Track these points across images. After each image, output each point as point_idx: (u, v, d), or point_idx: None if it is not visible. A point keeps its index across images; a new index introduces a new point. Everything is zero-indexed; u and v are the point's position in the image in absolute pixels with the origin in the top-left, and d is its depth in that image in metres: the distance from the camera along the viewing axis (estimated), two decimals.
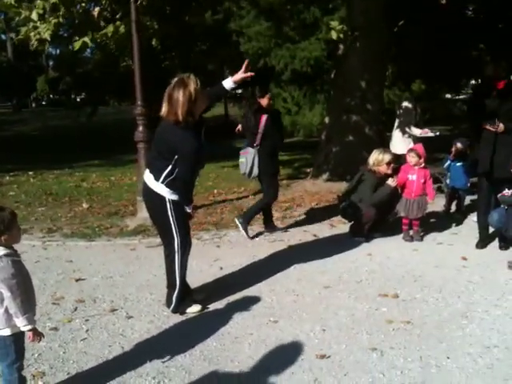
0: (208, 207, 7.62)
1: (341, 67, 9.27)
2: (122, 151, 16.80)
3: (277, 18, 11.83)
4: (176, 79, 3.59)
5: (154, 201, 3.73)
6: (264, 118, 5.84)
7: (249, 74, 3.84)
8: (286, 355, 3.15)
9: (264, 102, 5.94)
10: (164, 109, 3.59)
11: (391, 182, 5.59)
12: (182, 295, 3.83)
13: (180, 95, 3.48)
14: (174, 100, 3.50)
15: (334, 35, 7.73)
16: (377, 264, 4.83)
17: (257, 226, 6.39)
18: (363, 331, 3.44)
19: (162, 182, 3.61)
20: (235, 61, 20.13)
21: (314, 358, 3.10)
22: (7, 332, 2.47)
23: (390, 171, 5.71)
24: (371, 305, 3.87)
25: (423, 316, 3.67)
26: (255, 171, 5.92)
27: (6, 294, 2.40)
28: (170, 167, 3.58)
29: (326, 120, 9.76)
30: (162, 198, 3.64)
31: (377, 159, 5.70)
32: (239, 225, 5.91)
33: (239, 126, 6.38)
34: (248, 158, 5.93)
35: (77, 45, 7.42)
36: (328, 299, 4.00)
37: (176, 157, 3.55)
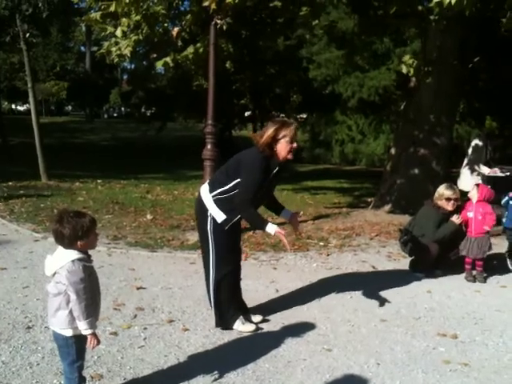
0: None
1: (411, 99, 9.20)
2: (186, 167, 17.28)
3: (349, 47, 11.88)
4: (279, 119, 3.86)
5: (199, 210, 3.83)
6: None
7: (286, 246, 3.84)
8: None
9: None
10: (253, 136, 3.86)
11: (456, 218, 5.45)
12: (222, 310, 3.86)
13: (271, 128, 3.70)
14: (264, 129, 3.77)
15: (404, 69, 7.72)
16: (436, 302, 4.71)
17: (313, 252, 6.39)
18: (419, 369, 3.36)
19: (213, 196, 3.71)
20: (302, 86, 20.39)
21: None
22: (69, 333, 2.57)
23: (449, 208, 5.56)
24: (429, 343, 3.78)
25: (482, 359, 3.55)
26: None
27: (73, 297, 2.49)
28: (227, 186, 3.68)
29: (393, 151, 9.66)
30: (205, 211, 3.73)
31: (438, 192, 5.61)
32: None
33: None
34: None
35: (159, 64, 7.77)
36: (384, 333, 3.94)
37: (238, 180, 3.64)
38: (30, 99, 13.28)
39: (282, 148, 3.72)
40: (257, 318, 4.05)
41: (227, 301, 3.89)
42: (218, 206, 3.70)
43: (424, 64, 8.11)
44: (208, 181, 3.90)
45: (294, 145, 3.75)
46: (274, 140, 3.69)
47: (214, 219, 3.72)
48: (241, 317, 3.92)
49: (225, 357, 3.45)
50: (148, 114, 29.23)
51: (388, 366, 3.38)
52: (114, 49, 8.02)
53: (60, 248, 2.57)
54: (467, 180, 7.61)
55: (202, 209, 3.78)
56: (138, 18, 7.26)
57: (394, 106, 18.29)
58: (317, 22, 8.75)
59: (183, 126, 29.96)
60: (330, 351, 3.58)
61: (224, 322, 3.88)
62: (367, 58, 15.16)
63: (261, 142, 3.69)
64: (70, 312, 2.53)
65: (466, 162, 7.71)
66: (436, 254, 5.45)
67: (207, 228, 3.74)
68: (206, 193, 3.77)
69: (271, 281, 5.16)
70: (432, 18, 7.46)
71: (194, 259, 5.87)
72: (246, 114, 24.86)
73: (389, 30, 11.39)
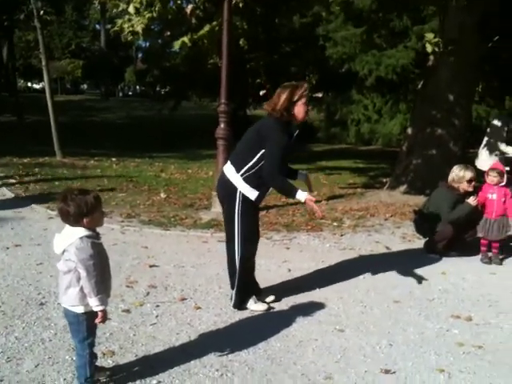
0: (280, 208, 7.65)
1: (429, 78, 9.02)
2: (200, 145, 17.26)
3: (367, 25, 11.64)
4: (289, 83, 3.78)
5: (226, 191, 3.78)
6: None
7: (318, 213, 3.76)
8: (349, 365, 3.11)
9: None
10: (266, 106, 3.79)
11: (472, 200, 5.36)
12: (243, 292, 3.87)
13: (285, 92, 3.67)
14: (277, 95, 3.71)
15: (429, 48, 7.52)
16: (451, 284, 4.66)
17: (326, 232, 6.36)
18: (431, 351, 3.33)
19: (242, 175, 3.68)
20: (318, 65, 20.12)
21: (378, 371, 3.04)
22: (80, 310, 2.58)
23: (471, 189, 5.49)
24: (442, 325, 3.75)
25: (496, 342, 3.51)
26: None
27: (83, 273, 2.50)
28: (253, 161, 3.64)
29: (409, 131, 9.52)
30: (234, 189, 3.70)
31: (458, 175, 5.50)
32: None
33: None
34: None
35: (177, 44, 7.71)
36: (397, 314, 3.91)
37: (262, 151, 3.60)
38: (45, 77, 13.29)
39: (301, 109, 3.71)
40: (269, 298, 4.04)
41: (247, 282, 3.90)
42: (249, 183, 3.67)
43: (443, 42, 7.92)
44: (230, 161, 3.83)
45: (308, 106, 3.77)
46: (291, 102, 3.67)
47: (243, 199, 3.69)
48: (253, 296, 3.93)
49: (236, 335, 3.45)
50: (162, 93, 29.17)
51: (400, 347, 3.36)
52: (126, 26, 7.97)
53: (67, 226, 2.57)
54: (485, 160, 7.46)
55: (229, 190, 3.73)
56: None
57: (411, 85, 17.98)
58: None
59: (198, 104, 29.85)
60: (342, 332, 3.57)
61: (243, 306, 3.88)
62: (385, 35, 14.86)
63: (277, 107, 3.67)
64: (81, 289, 2.54)
65: (484, 142, 7.56)
66: (451, 236, 5.39)
67: (235, 209, 3.70)
68: (232, 173, 3.72)
69: (284, 260, 5.15)
70: None
71: (206, 238, 5.88)
72: (261, 92, 24.66)
73: (408, 6, 11.13)
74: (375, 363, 3.14)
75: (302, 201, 3.62)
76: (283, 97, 3.67)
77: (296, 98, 3.67)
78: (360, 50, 16.70)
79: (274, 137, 3.59)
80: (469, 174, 5.48)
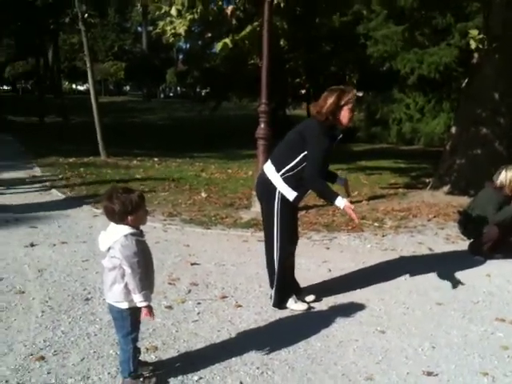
0: (320, 208, 7.62)
1: (474, 76, 8.80)
2: (240, 146, 17.35)
3: (409, 22, 11.45)
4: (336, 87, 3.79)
5: (265, 189, 3.79)
6: None
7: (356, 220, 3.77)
8: (390, 367, 3.07)
9: None
10: (312, 108, 3.76)
11: None
12: (283, 291, 3.87)
13: (332, 96, 3.67)
14: (323, 98, 3.70)
15: (473, 45, 7.35)
16: (496, 286, 4.54)
17: (367, 233, 6.30)
18: (475, 354, 3.26)
19: (282, 175, 3.69)
20: (359, 64, 19.92)
21: (420, 373, 3.00)
22: (125, 305, 2.63)
23: None
24: (486, 328, 3.66)
25: None
26: None
27: (127, 270, 2.55)
28: (294, 162, 3.65)
29: (453, 130, 9.31)
30: (273, 189, 3.71)
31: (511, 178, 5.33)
32: None
33: None
34: None
35: (219, 46, 7.76)
36: (440, 316, 3.84)
37: (304, 153, 3.61)
38: (89, 79, 13.65)
39: (346, 114, 3.69)
40: (309, 298, 4.03)
41: (287, 281, 3.90)
42: (288, 184, 3.68)
43: (488, 39, 7.71)
44: (270, 160, 3.85)
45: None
46: (338, 107, 3.66)
47: (281, 199, 3.70)
48: (293, 295, 3.93)
49: (277, 334, 3.46)
50: (203, 94, 29.46)
51: (443, 350, 3.30)
52: (168, 28, 8.07)
53: (112, 224, 2.63)
54: None
55: (268, 188, 3.75)
56: None
57: (455, 83, 17.58)
58: None
59: (237, 105, 30.03)
60: (384, 333, 3.53)
61: (283, 305, 3.89)
62: (427, 33, 14.59)
63: (324, 110, 3.66)
64: (126, 285, 2.59)
65: None
66: (496, 237, 5.25)
67: (274, 208, 3.72)
68: (273, 172, 3.74)
69: (324, 260, 5.12)
70: None
71: (246, 237, 5.91)
72: (303, 91, 24.57)
73: (451, 3, 10.89)
74: (417, 365, 3.10)
75: (342, 207, 3.60)
76: (330, 101, 3.66)
77: (343, 102, 3.66)
78: (401, 48, 16.44)
79: (317, 140, 3.59)
80: None
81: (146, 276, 2.62)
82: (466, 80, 9.33)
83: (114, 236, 2.59)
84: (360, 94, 25.25)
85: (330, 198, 3.67)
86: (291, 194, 3.70)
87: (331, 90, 3.73)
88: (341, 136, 3.79)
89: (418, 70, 17.03)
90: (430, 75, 16.89)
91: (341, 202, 3.58)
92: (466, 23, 14.81)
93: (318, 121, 3.69)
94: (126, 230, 2.59)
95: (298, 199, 3.75)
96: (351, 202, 3.74)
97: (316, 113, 3.73)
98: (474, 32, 7.48)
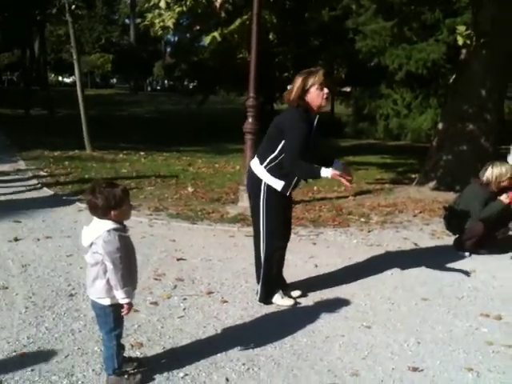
0: (307, 203, 7.62)
1: (461, 73, 8.84)
2: (228, 140, 17.29)
3: (398, 17, 11.46)
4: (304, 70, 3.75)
5: (252, 184, 3.79)
6: None
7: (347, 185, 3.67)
8: (376, 362, 3.08)
9: None
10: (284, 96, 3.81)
11: (504, 198, 5.24)
12: (269, 286, 3.86)
13: (298, 79, 3.66)
14: (293, 84, 3.69)
15: (460, 41, 7.38)
16: (480, 282, 4.58)
17: (354, 228, 6.31)
18: (460, 349, 3.28)
19: (265, 167, 3.68)
20: (347, 58, 19.92)
21: (405, 369, 3.01)
22: (107, 302, 2.60)
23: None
24: (471, 323, 3.68)
25: None
26: None
27: (109, 266, 2.52)
28: (276, 152, 3.63)
29: (440, 126, 9.35)
30: (259, 181, 3.70)
31: (500, 174, 5.34)
32: None
33: None
34: None
35: (207, 39, 7.71)
36: (425, 312, 3.86)
37: (283, 142, 3.59)
38: (76, 71, 13.48)
39: (314, 96, 3.65)
40: (295, 293, 4.03)
41: (273, 277, 3.89)
42: (273, 174, 3.67)
43: (476, 35, 7.74)
44: (256, 155, 3.86)
45: (325, 90, 3.65)
46: (304, 91, 3.63)
47: (267, 192, 3.68)
48: (280, 291, 3.92)
49: (263, 330, 3.46)
50: (190, 87, 29.29)
51: (428, 345, 3.32)
52: (157, 20, 8.00)
53: (95, 219, 2.60)
54: None
55: (254, 181, 3.74)
56: None
57: (442, 79, 17.67)
58: None
59: (225, 99, 29.90)
60: (369, 328, 3.54)
61: (269, 300, 3.88)
62: (416, 29, 14.62)
63: (292, 96, 3.65)
64: (108, 281, 2.56)
65: None
66: (482, 233, 5.28)
67: (260, 202, 3.71)
68: (257, 165, 3.74)
69: (310, 256, 5.13)
70: None
71: (233, 232, 5.89)
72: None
73: None
74: (403, 361, 3.11)
75: (329, 177, 3.53)
76: (296, 85, 3.65)
77: (309, 85, 3.62)
78: (390, 43, 16.49)
79: (292, 125, 3.57)
80: (510, 170, 5.35)
81: (129, 272, 2.59)
82: (454, 76, 9.37)
83: (97, 231, 2.56)
84: (348, 89, 25.32)
85: (315, 173, 3.58)
86: (278, 184, 3.68)
87: (299, 74, 3.71)
88: (317, 118, 3.72)
89: (406, 65, 17.10)
90: (417, 71, 16.97)
91: (326, 172, 3.51)
92: (455, 19, 14.89)
93: (292, 109, 3.67)
94: (108, 225, 2.56)
95: (286, 188, 3.71)
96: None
97: (287, 100, 3.72)
98: (461, 28, 7.51)
